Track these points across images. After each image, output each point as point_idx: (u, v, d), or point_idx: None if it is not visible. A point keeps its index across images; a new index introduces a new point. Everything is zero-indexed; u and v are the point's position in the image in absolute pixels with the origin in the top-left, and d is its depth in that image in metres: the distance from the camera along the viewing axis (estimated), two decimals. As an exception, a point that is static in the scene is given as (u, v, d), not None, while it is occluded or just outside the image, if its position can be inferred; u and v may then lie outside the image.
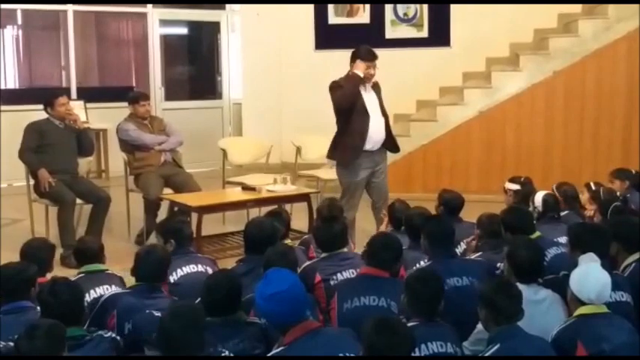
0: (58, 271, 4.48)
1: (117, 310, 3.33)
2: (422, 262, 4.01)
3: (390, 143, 5.82)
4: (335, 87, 5.55)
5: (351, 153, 5.63)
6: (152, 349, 3.01)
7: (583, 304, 3.07)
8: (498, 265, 3.85)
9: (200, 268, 3.96)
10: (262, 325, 3.14)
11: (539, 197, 4.88)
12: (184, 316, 2.74)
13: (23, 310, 3.24)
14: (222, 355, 2.89)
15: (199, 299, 3.21)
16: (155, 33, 10.02)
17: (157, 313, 3.27)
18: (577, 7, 8.63)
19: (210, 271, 3.94)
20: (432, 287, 3.09)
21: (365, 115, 5.56)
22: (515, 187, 5.39)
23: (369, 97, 5.63)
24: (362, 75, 5.52)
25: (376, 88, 5.74)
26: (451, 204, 4.92)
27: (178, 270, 3.91)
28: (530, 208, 4.90)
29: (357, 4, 9.03)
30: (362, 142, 5.57)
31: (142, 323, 3.21)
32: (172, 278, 3.87)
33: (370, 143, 5.60)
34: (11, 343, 2.86)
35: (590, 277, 3.08)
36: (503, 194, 5.54)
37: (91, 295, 3.63)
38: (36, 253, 3.81)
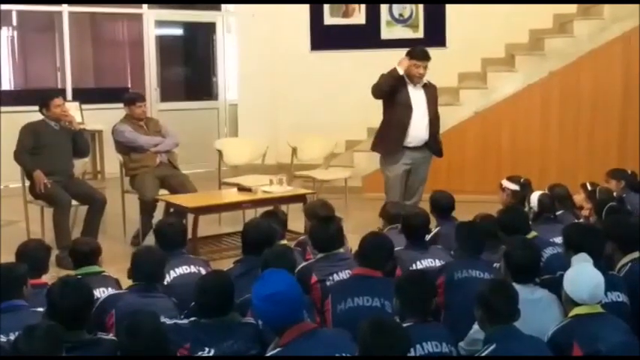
0: (54, 272, 4.47)
1: (115, 309, 3.32)
2: (419, 262, 4.04)
3: (435, 146, 6.02)
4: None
5: (391, 144, 5.92)
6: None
7: (577, 304, 3.06)
8: (495, 265, 3.85)
9: (193, 269, 3.95)
10: (257, 326, 3.12)
11: (534, 198, 4.89)
12: (144, 333, 2.73)
13: (17, 309, 3.23)
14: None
15: (193, 303, 3.20)
16: (150, 34, 9.99)
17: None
18: (572, 8, 8.64)
19: (203, 272, 3.93)
20: (423, 287, 3.09)
21: (407, 108, 5.81)
22: (514, 187, 5.38)
23: (415, 94, 5.89)
24: (401, 70, 5.75)
25: (428, 88, 5.98)
26: (439, 204, 4.94)
27: (171, 272, 3.90)
28: (526, 209, 4.90)
29: (353, 5, 9.03)
30: (403, 135, 5.83)
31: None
32: (166, 280, 3.84)
33: (409, 138, 5.83)
34: (11, 338, 2.87)
35: (582, 277, 3.09)
36: (498, 192, 5.53)
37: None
38: (32, 254, 3.79)
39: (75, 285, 3.03)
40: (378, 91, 5.82)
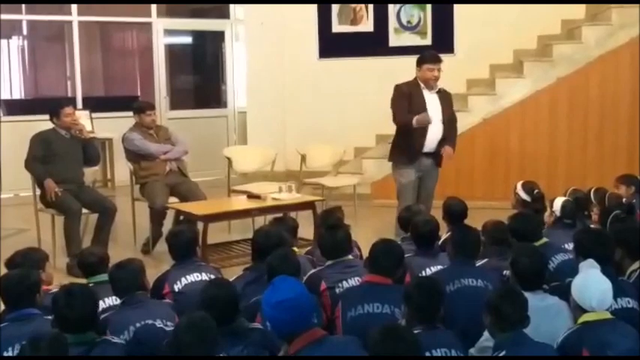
0: (61, 279, 4.49)
1: (109, 330, 3.28)
2: (429, 269, 4.04)
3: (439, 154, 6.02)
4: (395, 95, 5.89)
5: (412, 152, 5.93)
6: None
7: (585, 311, 3.06)
8: (505, 272, 3.85)
9: (204, 276, 3.94)
10: (265, 331, 3.10)
11: (558, 202, 4.83)
12: (198, 328, 2.72)
13: (29, 317, 3.24)
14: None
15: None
16: (160, 43, 10.06)
17: (159, 324, 3.28)
18: (580, 14, 8.64)
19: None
20: (432, 294, 3.09)
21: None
22: (525, 197, 5.35)
23: (430, 99, 5.89)
24: (416, 124, 5.75)
25: (441, 94, 5.97)
26: (451, 210, 4.93)
27: (182, 279, 3.90)
28: (548, 212, 4.87)
29: (361, 12, 9.04)
30: (422, 140, 5.85)
31: (146, 336, 3.21)
32: (177, 287, 3.87)
33: (427, 143, 5.88)
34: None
35: (590, 285, 3.08)
36: (509, 197, 5.49)
37: (99, 306, 3.64)
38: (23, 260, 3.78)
39: (80, 293, 3.05)
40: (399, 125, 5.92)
